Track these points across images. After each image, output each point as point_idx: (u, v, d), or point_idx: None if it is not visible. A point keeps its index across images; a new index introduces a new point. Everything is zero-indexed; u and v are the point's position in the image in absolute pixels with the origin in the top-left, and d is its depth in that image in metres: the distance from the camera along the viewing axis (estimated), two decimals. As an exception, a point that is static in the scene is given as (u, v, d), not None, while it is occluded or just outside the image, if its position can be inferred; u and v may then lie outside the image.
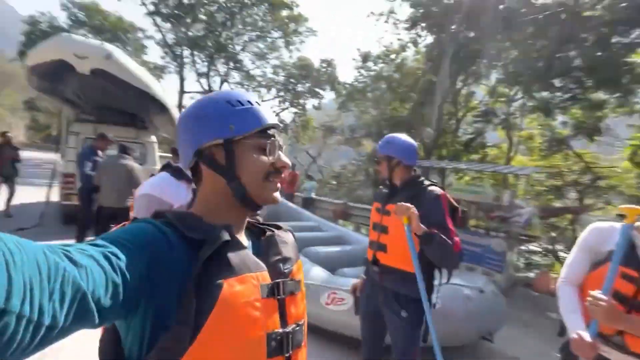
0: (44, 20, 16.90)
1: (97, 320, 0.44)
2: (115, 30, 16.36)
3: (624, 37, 7.45)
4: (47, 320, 0.36)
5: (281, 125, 0.71)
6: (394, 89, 14.39)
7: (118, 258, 0.48)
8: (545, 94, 8.76)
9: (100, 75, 4.85)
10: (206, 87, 17.08)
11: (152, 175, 1.56)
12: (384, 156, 1.81)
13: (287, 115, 19.97)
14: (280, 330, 0.61)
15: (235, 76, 17.99)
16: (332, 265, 3.74)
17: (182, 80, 16.89)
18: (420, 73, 13.33)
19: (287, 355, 0.62)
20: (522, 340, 3.72)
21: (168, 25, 15.89)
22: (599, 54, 7.36)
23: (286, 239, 0.73)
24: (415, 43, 13.34)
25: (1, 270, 0.32)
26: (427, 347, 1.75)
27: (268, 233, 0.72)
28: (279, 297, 0.62)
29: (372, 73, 15.29)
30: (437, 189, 1.70)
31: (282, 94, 18.43)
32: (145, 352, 0.52)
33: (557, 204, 9.36)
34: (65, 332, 0.40)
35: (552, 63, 7.88)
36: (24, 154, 7.05)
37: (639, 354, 1.24)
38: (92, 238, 0.84)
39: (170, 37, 16.38)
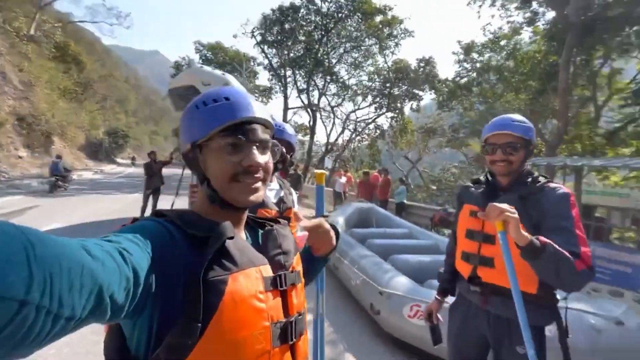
0: (184, 62, 21.39)
1: (108, 314, 0.45)
2: (233, 62, 19.42)
3: None
4: (66, 312, 0.37)
5: (262, 118, 0.65)
6: (506, 79, 12.59)
7: (130, 254, 0.49)
8: None
9: None
10: (306, 102, 18.44)
11: None
12: (524, 140, 1.35)
13: (384, 121, 19.78)
14: (284, 320, 0.63)
15: (332, 88, 18.92)
16: (421, 275, 3.48)
17: (285, 98, 18.76)
18: (539, 57, 11.30)
19: (291, 343, 0.64)
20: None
21: (273, 50, 17.95)
22: None
23: (285, 233, 0.74)
24: (531, 22, 11.42)
25: (22, 263, 0.33)
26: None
27: (267, 227, 0.74)
28: (281, 288, 0.65)
29: (477, 65, 13.75)
30: (562, 187, 1.34)
31: (378, 99, 18.33)
32: (153, 348, 0.54)
33: None
34: (81, 323, 0.41)
35: None
36: (169, 170, 8.82)
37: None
38: None
39: (275, 61, 18.46)
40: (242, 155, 0.63)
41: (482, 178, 1.53)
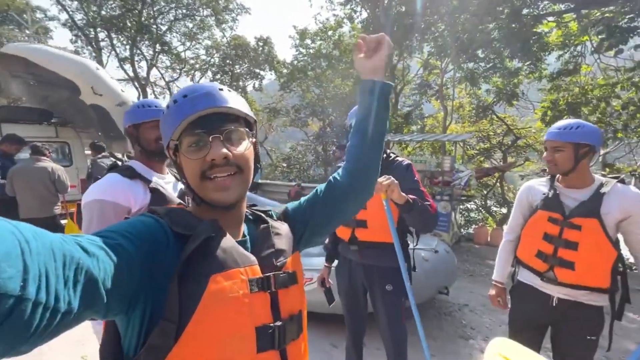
0: None
1: (104, 309, 0.45)
2: (7, 11, 13.73)
3: (533, 9, 8.32)
4: (63, 307, 0.37)
5: (224, 107, 0.61)
6: (334, 67, 14.43)
7: (124, 249, 0.49)
8: (470, 64, 9.52)
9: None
10: (131, 74, 15.36)
11: (97, 178, 1.38)
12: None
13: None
14: (272, 324, 0.60)
15: (165, 60, 16.45)
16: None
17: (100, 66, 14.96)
18: (358, 49, 13.51)
19: (280, 349, 0.61)
20: (470, 289, 4.21)
21: (75, 3, 13.76)
22: (513, 25, 8.13)
23: (280, 230, 0.72)
24: (351, 18, 13.41)
25: (17, 259, 0.33)
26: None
27: (262, 225, 0.71)
28: (270, 290, 0.62)
29: (311, 51, 15.09)
30: (405, 159, 1.78)
31: (218, 76, 17.36)
32: (141, 346, 0.53)
33: (486, 164, 10.47)
34: (78, 318, 0.41)
35: (474, 35, 8.53)
36: None
37: (568, 284, 1.54)
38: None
39: (79, 18, 14.26)
40: (206, 151, 0.60)
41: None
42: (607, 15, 6.79)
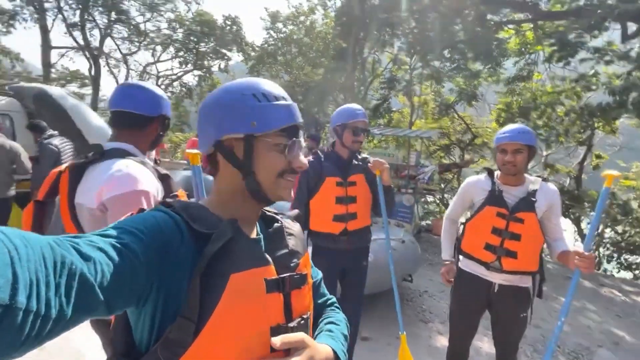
0: None
1: (106, 310, 0.45)
2: None
3: (496, 15, 8.82)
4: (54, 314, 0.37)
5: (300, 122, 0.67)
6: (305, 54, 14.25)
7: (129, 248, 0.48)
8: (437, 63, 9.92)
9: None
10: (81, 42, 13.87)
11: (58, 163, 1.24)
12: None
13: (192, 79, 18.07)
14: (284, 324, 0.62)
15: (122, 30, 15.04)
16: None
17: (44, 31, 13.25)
18: (330, 38, 13.44)
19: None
20: (429, 276, 4.52)
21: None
22: (478, 29, 8.58)
23: (293, 231, 0.74)
24: (324, 5, 13.26)
25: (6, 267, 0.32)
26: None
27: (276, 225, 0.72)
28: (284, 291, 0.63)
29: (282, 35, 14.73)
30: (368, 156, 2.08)
31: (182, 53, 16.32)
32: (154, 340, 0.53)
33: (446, 160, 11.11)
34: (74, 322, 0.40)
35: (442, 36, 8.88)
36: None
37: (510, 271, 1.77)
38: None
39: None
40: (291, 156, 0.65)
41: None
42: (560, 28, 7.40)
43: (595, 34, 6.56)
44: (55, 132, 3.71)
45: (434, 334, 3.18)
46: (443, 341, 2.98)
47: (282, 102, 0.64)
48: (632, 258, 6.89)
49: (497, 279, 1.80)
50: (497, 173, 1.87)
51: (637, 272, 6.66)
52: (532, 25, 8.58)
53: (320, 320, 0.78)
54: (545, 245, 1.83)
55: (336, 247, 1.97)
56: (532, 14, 8.07)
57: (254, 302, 0.58)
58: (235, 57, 17.21)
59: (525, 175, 1.84)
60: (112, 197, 1.02)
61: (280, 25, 14.73)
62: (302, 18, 14.55)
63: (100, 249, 0.45)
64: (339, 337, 0.73)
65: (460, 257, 1.96)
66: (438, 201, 10.35)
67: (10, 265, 0.33)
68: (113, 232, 0.49)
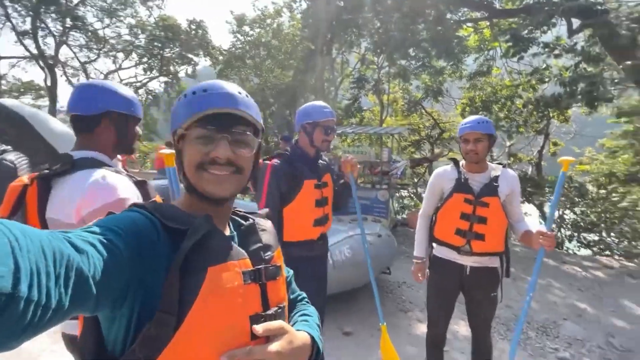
0: None
1: (93, 306, 0.46)
2: None
3: (455, 14, 9.23)
4: (54, 304, 0.37)
5: (240, 111, 0.63)
6: (273, 56, 14.17)
7: (114, 245, 0.49)
8: (403, 62, 10.23)
9: None
10: (34, 51, 13.02)
11: (13, 177, 1.20)
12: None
13: (158, 86, 17.45)
14: (263, 312, 0.64)
15: (79, 37, 14.25)
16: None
17: (-10, 40, 12.38)
18: (297, 40, 13.47)
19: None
20: (407, 268, 4.66)
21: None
22: (439, 28, 8.94)
23: (265, 227, 0.77)
24: (290, 8, 13.27)
25: (7, 256, 0.33)
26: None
27: (248, 221, 0.75)
28: (260, 282, 0.66)
29: (249, 38, 14.58)
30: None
31: (146, 59, 15.73)
32: (130, 341, 0.53)
33: (417, 155, 11.47)
34: (67, 314, 0.41)
35: (406, 35, 9.17)
36: None
37: (479, 252, 1.88)
38: None
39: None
40: (212, 147, 0.63)
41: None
42: (512, 25, 7.87)
43: (545, 30, 7.04)
44: (9, 147, 3.47)
45: (413, 322, 3.28)
46: (423, 329, 3.09)
47: (199, 94, 0.63)
48: (590, 236, 7.43)
49: (468, 261, 1.92)
50: (462, 162, 1.99)
51: (595, 249, 7.18)
52: (488, 23, 9.05)
53: (294, 313, 0.81)
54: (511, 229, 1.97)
55: (312, 255, 1.85)
56: (488, 12, 8.53)
57: (233, 293, 0.59)
58: (203, 61, 16.85)
59: (488, 162, 1.97)
60: (93, 210, 0.97)
61: (247, 28, 14.57)
62: (268, 21, 14.47)
63: (91, 244, 0.46)
64: (314, 326, 0.76)
65: (434, 244, 2.05)
66: (412, 195, 10.66)
67: (11, 254, 0.33)
68: (97, 229, 0.50)
